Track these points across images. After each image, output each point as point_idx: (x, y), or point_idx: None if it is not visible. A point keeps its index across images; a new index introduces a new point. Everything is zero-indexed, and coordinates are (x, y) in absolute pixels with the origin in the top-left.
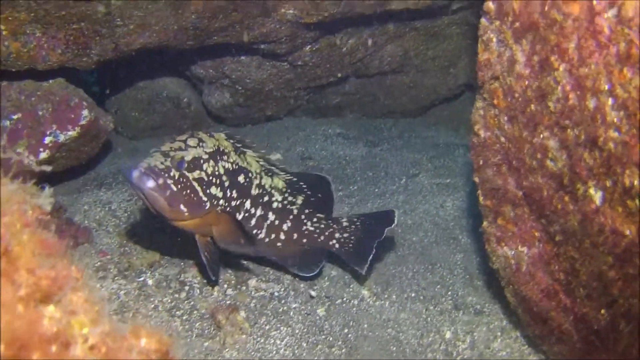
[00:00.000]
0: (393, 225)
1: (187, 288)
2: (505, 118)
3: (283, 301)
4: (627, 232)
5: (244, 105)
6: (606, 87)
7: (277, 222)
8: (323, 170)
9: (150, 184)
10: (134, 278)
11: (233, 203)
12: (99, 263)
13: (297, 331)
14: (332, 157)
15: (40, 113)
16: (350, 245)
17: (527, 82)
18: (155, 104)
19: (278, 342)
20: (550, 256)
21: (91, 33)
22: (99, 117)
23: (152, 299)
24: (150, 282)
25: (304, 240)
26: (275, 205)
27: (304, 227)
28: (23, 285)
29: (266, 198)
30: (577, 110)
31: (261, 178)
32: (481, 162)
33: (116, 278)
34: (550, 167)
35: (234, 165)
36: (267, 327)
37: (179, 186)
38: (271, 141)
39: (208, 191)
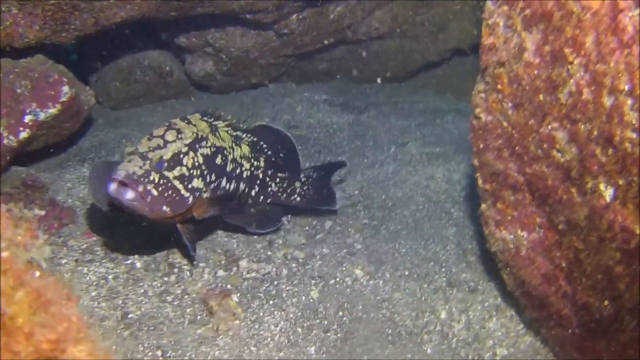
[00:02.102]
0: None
1: (176, 270)
2: (510, 104)
3: (276, 282)
4: (638, 231)
5: (227, 73)
6: (626, 88)
7: (247, 189)
8: (310, 140)
9: (130, 195)
10: (122, 261)
11: (212, 186)
12: (85, 245)
13: (291, 315)
14: (318, 125)
15: (18, 91)
16: (310, 194)
17: (536, 72)
18: (137, 73)
19: (272, 327)
20: (552, 243)
21: (70, 8)
22: (80, 92)
23: (141, 283)
24: (138, 264)
25: (269, 201)
26: (245, 174)
27: (269, 189)
28: (23, 353)
29: (238, 170)
30: (590, 106)
31: (233, 151)
32: (481, 146)
33: (103, 261)
34: (557, 158)
35: (211, 149)
36: (261, 313)
37: (160, 189)
38: (256, 109)
39: (190, 186)
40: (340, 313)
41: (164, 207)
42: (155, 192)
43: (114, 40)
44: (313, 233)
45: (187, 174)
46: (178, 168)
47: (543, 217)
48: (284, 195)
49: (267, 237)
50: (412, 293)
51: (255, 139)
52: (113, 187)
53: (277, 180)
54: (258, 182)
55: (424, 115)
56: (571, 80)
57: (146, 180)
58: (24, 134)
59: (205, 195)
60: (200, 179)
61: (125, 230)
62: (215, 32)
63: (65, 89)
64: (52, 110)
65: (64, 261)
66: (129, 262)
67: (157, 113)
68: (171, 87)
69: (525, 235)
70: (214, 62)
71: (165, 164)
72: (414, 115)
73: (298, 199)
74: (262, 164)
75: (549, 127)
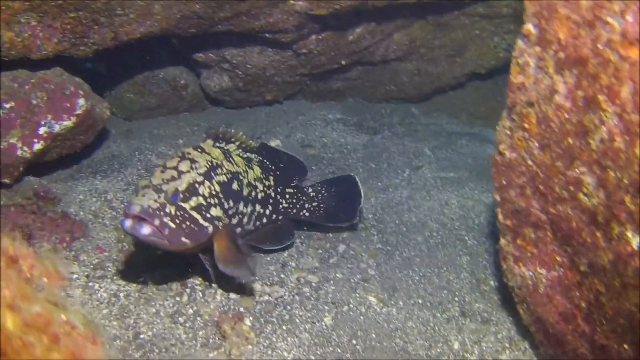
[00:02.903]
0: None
1: (188, 290)
2: (536, 144)
3: (289, 307)
4: None
5: (243, 89)
6: None
7: (261, 210)
8: (324, 159)
9: (146, 230)
10: (134, 278)
11: (230, 212)
12: (96, 260)
13: (304, 342)
14: (332, 146)
15: (34, 102)
16: (321, 211)
17: (567, 115)
18: (151, 85)
19: (285, 354)
20: (572, 283)
21: (89, 22)
22: (96, 105)
23: (153, 303)
24: (150, 282)
25: (280, 217)
26: (260, 196)
27: (280, 206)
28: None
29: (253, 193)
30: (622, 155)
31: (247, 174)
32: (504, 182)
33: (115, 278)
34: (583, 201)
35: (227, 176)
36: (274, 338)
37: (177, 220)
38: (270, 126)
39: (208, 215)
40: (354, 341)
41: (183, 239)
42: (172, 225)
43: (130, 52)
44: (326, 257)
45: (204, 203)
46: (194, 198)
47: (564, 256)
48: (294, 210)
49: (280, 259)
50: (426, 322)
51: (261, 158)
52: (128, 223)
53: (287, 196)
54: (270, 201)
55: (438, 138)
56: (603, 128)
57: (162, 213)
58: (38, 146)
59: (223, 222)
60: (218, 207)
61: (137, 246)
62: (232, 49)
63: (81, 101)
64: (67, 123)
65: (75, 276)
66: (141, 279)
67: (170, 125)
68: (185, 101)
69: (545, 273)
70: (229, 77)
71: (181, 195)
72: (427, 138)
73: (307, 214)
74: (272, 182)
75: (577, 170)
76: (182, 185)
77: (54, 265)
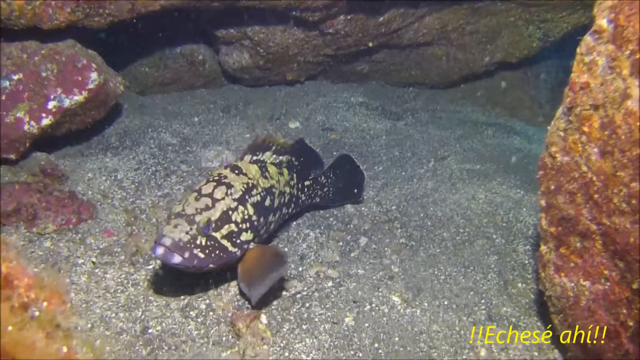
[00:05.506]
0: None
1: (201, 282)
2: (596, 150)
3: (307, 304)
4: None
5: (263, 67)
6: None
7: (285, 210)
8: (346, 145)
9: (176, 260)
10: (143, 265)
11: (259, 227)
12: (104, 244)
13: (324, 344)
14: (355, 130)
15: (44, 74)
16: (330, 194)
17: (638, 124)
18: (167, 59)
19: (303, 356)
20: (619, 298)
21: None
22: (109, 79)
23: (162, 294)
24: (160, 271)
25: (297, 209)
26: (287, 199)
27: (300, 201)
28: None
29: (282, 200)
30: None
31: (279, 183)
32: (552, 187)
33: (123, 265)
34: None
35: (261, 194)
36: (291, 338)
37: (207, 251)
38: (289, 107)
39: (238, 241)
40: (376, 345)
41: (211, 265)
42: (201, 255)
43: (147, 24)
44: (347, 250)
45: (235, 229)
46: (226, 226)
47: (614, 270)
48: (309, 200)
49: (299, 251)
50: (451, 326)
51: (290, 157)
52: (160, 251)
53: (305, 189)
54: (294, 199)
55: (463, 127)
56: None
57: (192, 245)
58: (46, 121)
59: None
60: (249, 231)
61: (148, 231)
62: (255, 25)
63: (94, 75)
64: (78, 98)
65: (80, 261)
66: (150, 267)
67: (185, 102)
68: (202, 77)
69: (588, 285)
70: (250, 55)
71: (213, 225)
72: (452, 126)
73: (318, 200)
74: (295, 180)
75: None
76: (215, 214)
77: (55, 282)
